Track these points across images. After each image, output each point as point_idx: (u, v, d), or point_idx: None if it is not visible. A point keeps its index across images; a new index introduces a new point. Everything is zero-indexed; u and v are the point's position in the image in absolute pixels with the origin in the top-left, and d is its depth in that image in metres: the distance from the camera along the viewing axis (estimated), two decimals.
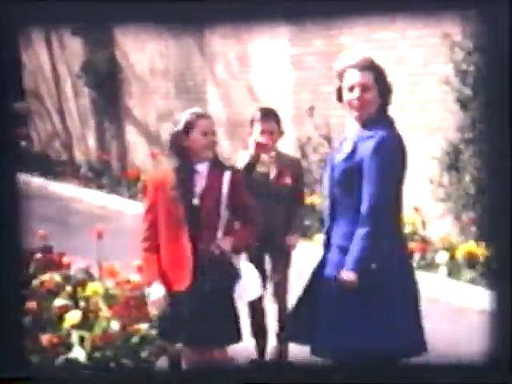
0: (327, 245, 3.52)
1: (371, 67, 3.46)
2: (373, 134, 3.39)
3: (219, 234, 3.55)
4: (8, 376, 3.53)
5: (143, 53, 11.25)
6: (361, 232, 3.35)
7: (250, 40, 9.36)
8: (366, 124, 3.44)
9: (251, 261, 4.38)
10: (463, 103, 6.56)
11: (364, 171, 3.36)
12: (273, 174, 4.37)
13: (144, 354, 4.38)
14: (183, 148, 3.59)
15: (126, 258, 4.90)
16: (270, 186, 4.37)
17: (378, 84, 3.44)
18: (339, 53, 8.23)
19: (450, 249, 6.51)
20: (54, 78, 13.21)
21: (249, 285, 3.62)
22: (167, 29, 10.44)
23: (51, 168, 12.61)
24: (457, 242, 6.64)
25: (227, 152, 9.59)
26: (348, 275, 3.35)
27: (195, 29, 10.01)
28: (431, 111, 7.07)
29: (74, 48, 12.32)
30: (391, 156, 3.38)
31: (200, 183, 3.57)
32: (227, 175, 3.56)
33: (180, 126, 3.60)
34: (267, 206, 4.33)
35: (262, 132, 4.29)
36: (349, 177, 3.40)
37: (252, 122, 4.36)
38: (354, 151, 3.40)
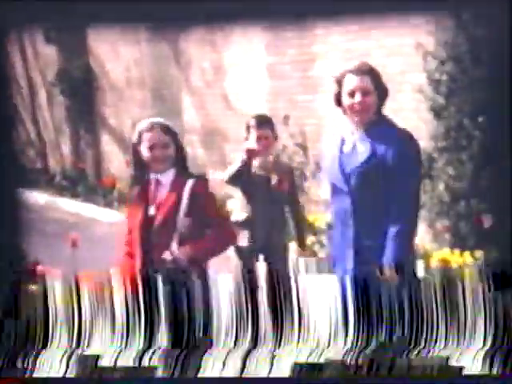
0: (352, 246, 3.56)
1: (369, 71, 3.56)
2: (385, 133, 3.51)
3: (174, 243, 3.52)
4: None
5: (118, 61, 11.23)
6: (397, 228, 3.43)
7: (226, 49, 9.39)
8: (368, 126, 3.52)
9: (245, 263, 4.52)
10: (436, 112, 6.63)
11: (390, 170, 3.45)
12: (274, 179, 4.56)
13: None
14: (140, 159, 3.62)
15: (102, 267, 4.88)
16: (271, 191, 4.55)
17: (376, 87, 3.53)
18: (314, 62, 8.29)
19: (424, 256, 6.56)
20: (28, 86, 13.13)
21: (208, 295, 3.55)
22: (145, 33, 10.44)
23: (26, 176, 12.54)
24: (431, 249, 6.69)
25: (202, 160, 9.61)
26: (389, 271, 3.42)
27: (171, 33, 10.03)
28: (405, 119, 7.12)
29: (48, 56, 12.27)
30: (416, 152, 3.53)
31: (161, 193, 3.57)
32: (189, 184, 3.54)
33: (134, 138, 3.64)
34: (267, 210, 4.52)
35: (258, 138, 4.49)
36: (371, 178, 3.47)
37: (248, 128, 4.57)
38: (373, 153, 3.48)
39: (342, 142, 3.60)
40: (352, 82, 3.52)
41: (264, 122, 4.59)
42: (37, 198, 11.43)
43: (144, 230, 3.56)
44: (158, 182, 3.57)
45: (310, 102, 8.25)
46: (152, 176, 3.58)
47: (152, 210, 3.55)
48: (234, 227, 3.87)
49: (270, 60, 8.85)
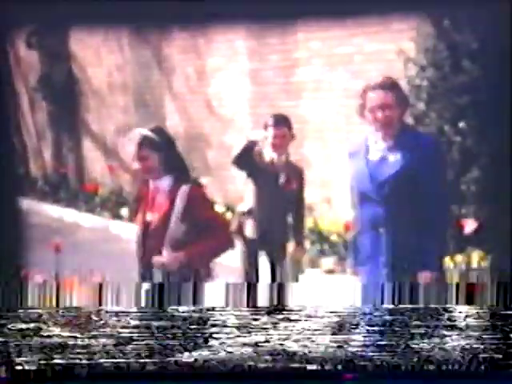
0: (384, 253, 3.62)
1: (391, 85, 3.66)
2: (412, 142, 3.64)
3: (166, 248, 3.56)
4: None
5: (101, 66, 11.22)
6: (436, 231, 3.56)
7: (208, 54, 9.41)
8: (394, 137, 3.60)
9: (249, 261, 4.63)
10: (417, 118, 6.68)
11: (421, 177, 3.56)
12: (282, 178, 4.72)
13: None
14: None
15: (85, 272, 4.88)
16: (278, 189, 4.74)
17: (398, 100, 3.62)
18: (296, 67, 8.32)
19: None
20: (9, 92, 13.07)
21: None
22: (127, 38, 10.45)
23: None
24: None
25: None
26: (426, 275, 3.54)
27: (154, 38, 10.04)
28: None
29: (30, 61, 12.22)
30: (443, 155, 3.62)
31: (159, 199, 3.63)
32: (182, 190, 3.59)
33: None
34: (271, 206, 4.71)
35: (275, 136, 4.72)
36: (404, 187, 3.55)
37: (265, 126, 4.78)
38: (405, 161, 3.55)
39: (367, 149, 3.67)
40: (375, 98, 3.61)
41: (281, 120, 4.78)
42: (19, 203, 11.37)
43: (142, 235, 3.61)
44: (156, 189, 3.65)
45: (292, 108, 8.28)
46: (152, 183, 3.66)
47: (150, 216, 3.62)
48: (231, 232, 3.92)
49: (252, 66, 8.87)
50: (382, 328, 3.80)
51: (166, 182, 3.62)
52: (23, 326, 4.41)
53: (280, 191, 4.72)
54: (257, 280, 4.75)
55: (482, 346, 3.73)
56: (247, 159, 4.62)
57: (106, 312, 4.16)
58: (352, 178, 3.72)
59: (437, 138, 3.71)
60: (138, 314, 4.03)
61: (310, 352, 3.72)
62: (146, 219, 3.63)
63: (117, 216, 9.88)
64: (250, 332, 3.89)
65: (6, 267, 3.82)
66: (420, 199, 3.52)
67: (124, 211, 9.82)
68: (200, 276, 3.60)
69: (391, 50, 6.92)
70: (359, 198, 3.66)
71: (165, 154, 3.65)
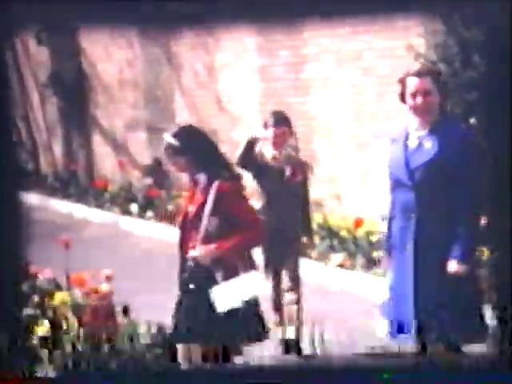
0: (412, 238, 3.64)
1: (430, 72, 3.69)
2: (450, 132, 3.65)
3: (199, 242, 3.62)
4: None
5: (111, 62, 11.24)
6: (466, 223, 3.58)
7: (218, 51, 9.41)
8: (433, 125, 3.63)
9: (266, 256, 4.73)
10: None
11: (454, 168, 3.58)
12: (287, 171, 4.79)
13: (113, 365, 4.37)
14: None
15: (94, 268, 4.91)
16: (285, 183, 4.80)
17: (438, 87, 3.64)
18: (305, 64, 8.32)
19: None
20: (20, 87, 13.13)
21: (225, 296, 3.64)
22: (137, 35, 10.46)
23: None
24: None
25: None
26: (459, 267, 3.56)
27: (163, 35, 10.05)
28: (398, 120, 7.16)
29: (40, 57, 12.26)
30: (480, 151, 3.63)
31: (197, 192, 3.73)
32: (215, 185, 3.66)
33: None
34: (282, 201, 4.75)
35: (275, 135, 4.77)
36: (436, 175, 3.59)
37: (265, 125, 4.85)
38: (440, 149, 3.57)
39: (406, 136, 3.69)
40: (414, 83, 3.63)
41: (281, 119, 4.83)
42: (28, 199, 11.41)
43: (181, 225, 3.79)
44: (196, 184, 3.73)
45: (301, 104, 8.28)
46: (193, 178, 3.76)
47: (190, 207, 3.73)
48: (262, 227, 3.92)
49: (261, 62, 8.87)
50: None
51: (202, 178, 3.72)
52: None
53: (286, 185, 4.75)
54: (276, 275, 4.78)
55: None
56: (249, 160, 4.66)
57: None
58: (389, 164, 3.74)
59: (476, 135, 3.67)
60: None
61: None
62: (188, 210, 3.75)
63: (126, 212, 9.91)
64: None
65: (15, 264, 3.84)
66: (452, 188, 3.54)
67: (134, 207, 9.85)
68: (237, 269, 3.65)
69: (400, 46, 6.91)
70: (393, 184, 3.68)
71: (191, 156, 3.72)
